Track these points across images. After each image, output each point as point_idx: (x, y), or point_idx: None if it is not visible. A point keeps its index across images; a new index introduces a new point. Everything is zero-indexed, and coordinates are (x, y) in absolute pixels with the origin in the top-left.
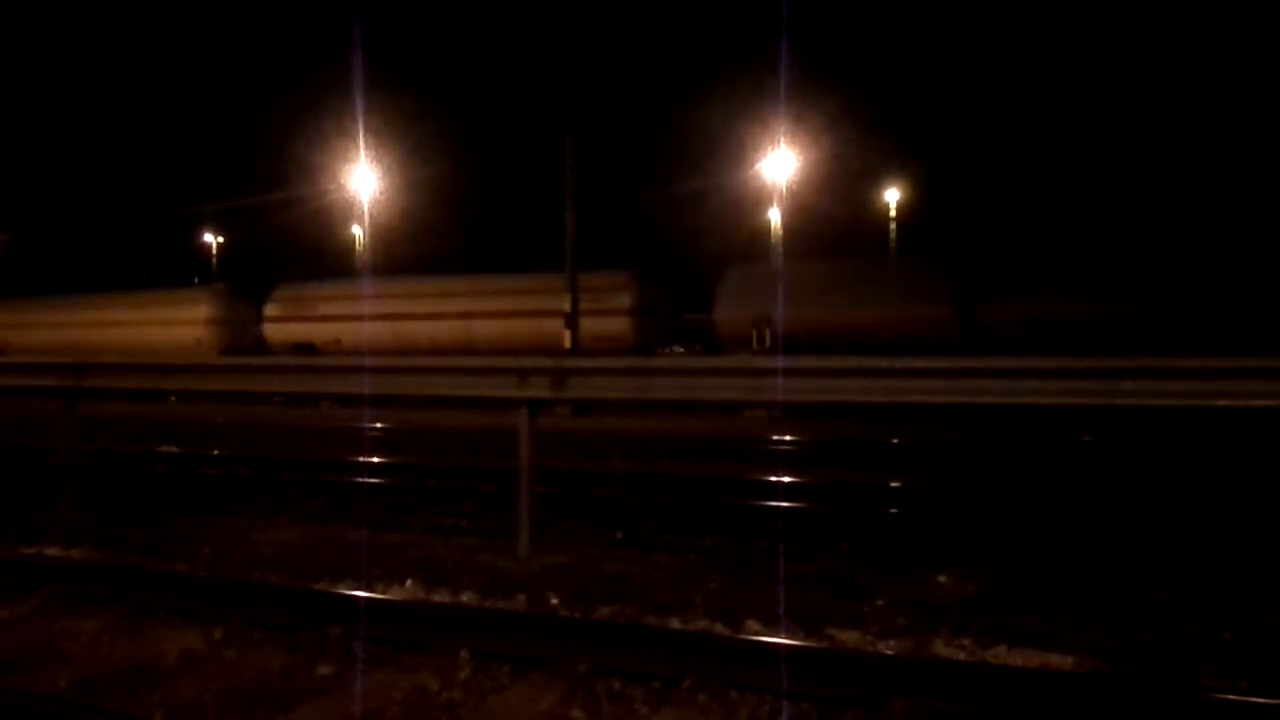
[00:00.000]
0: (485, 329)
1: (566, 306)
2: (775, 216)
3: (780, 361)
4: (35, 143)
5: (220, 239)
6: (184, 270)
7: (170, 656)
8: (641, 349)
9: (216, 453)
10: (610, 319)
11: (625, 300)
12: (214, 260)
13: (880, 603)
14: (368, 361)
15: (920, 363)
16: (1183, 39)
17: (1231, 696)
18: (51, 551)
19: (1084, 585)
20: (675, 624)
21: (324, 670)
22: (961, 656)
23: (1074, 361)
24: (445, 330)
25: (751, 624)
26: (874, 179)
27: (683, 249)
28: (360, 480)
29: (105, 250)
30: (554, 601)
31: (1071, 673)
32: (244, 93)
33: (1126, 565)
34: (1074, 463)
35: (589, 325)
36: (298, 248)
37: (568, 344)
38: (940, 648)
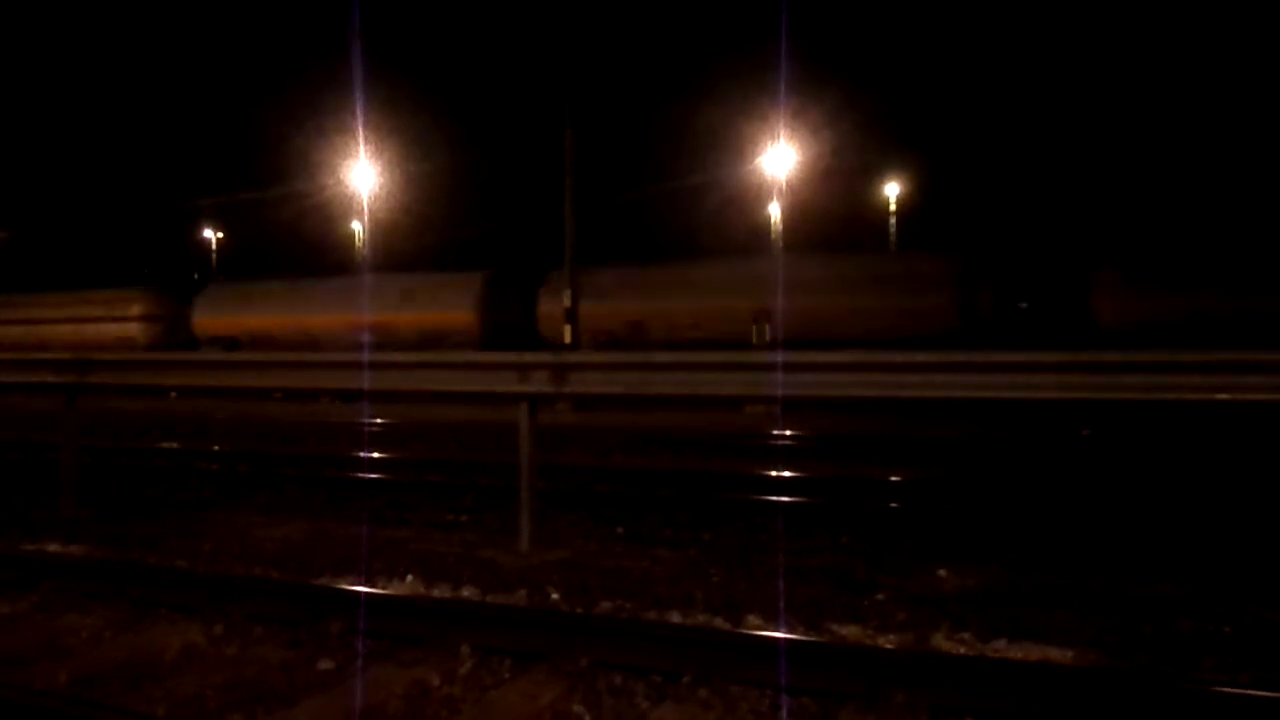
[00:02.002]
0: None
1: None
2: (775, 211)
3: (780, 356)
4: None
5: (220, 235)
6: (183, 266)
7: (171, 652)
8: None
9: (217, 448)
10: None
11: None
12: (213, 256)
13: (880, 597)
14: (366, 357)
15: (920, 357)
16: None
17: (1232, 690)
18: (52, 547)
19: (1084, 579)
20: (676, 618)
21: (325, 665)
22: (962, 650)
23: (1074, 356)
24: (340, 324)
25: (752, 618)
26: (874, 173)
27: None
28: (360, 476)
29: (104, 246)
30: (555, 596)
31: (1072, 666)
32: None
33: (1127, 559)
34: (1074, 457)
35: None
36: (297, 243)
37: (568, 339)
38: (940, 641)
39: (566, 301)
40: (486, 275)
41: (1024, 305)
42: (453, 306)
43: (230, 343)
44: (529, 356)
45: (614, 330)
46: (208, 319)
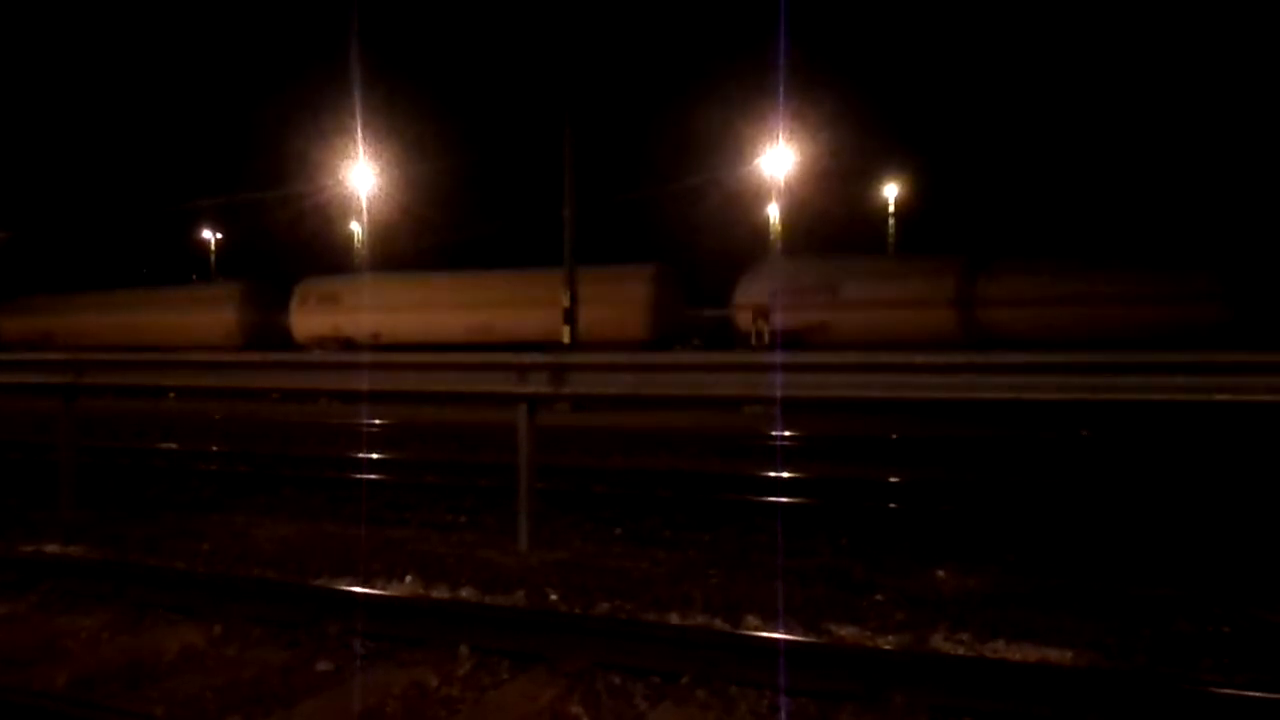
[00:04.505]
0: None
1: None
2: (774, 212)
3: (779, 357)
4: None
5: (219, 236)
6: (183, 267)
7: (170, 653)
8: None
9: (215, 449)
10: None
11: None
12: (212, 257)
13: (879, 598)
14: (366, 359)
15: (919, 358)
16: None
17: (1230, 691)
18: (51, 548)
19: (1083, 580)
20: (675, 619)
21: (324, 666)
22: (960, 651)
23: (1072, 356)
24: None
25: (751, 619)
26: (873, 175)
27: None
28: (359, 476)
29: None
30: (553, 597)
31: (1070, 667)
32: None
33: (1125, 560)
34: (1073, 458)
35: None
36: (296, 244)
37: (566, 339)
38: (939, 642)
39: (312, 309)
40: (245, 286)
41: None
42: (215, 313)
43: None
44: (528, 358)
45: (354, 337)
46: (13, 322)
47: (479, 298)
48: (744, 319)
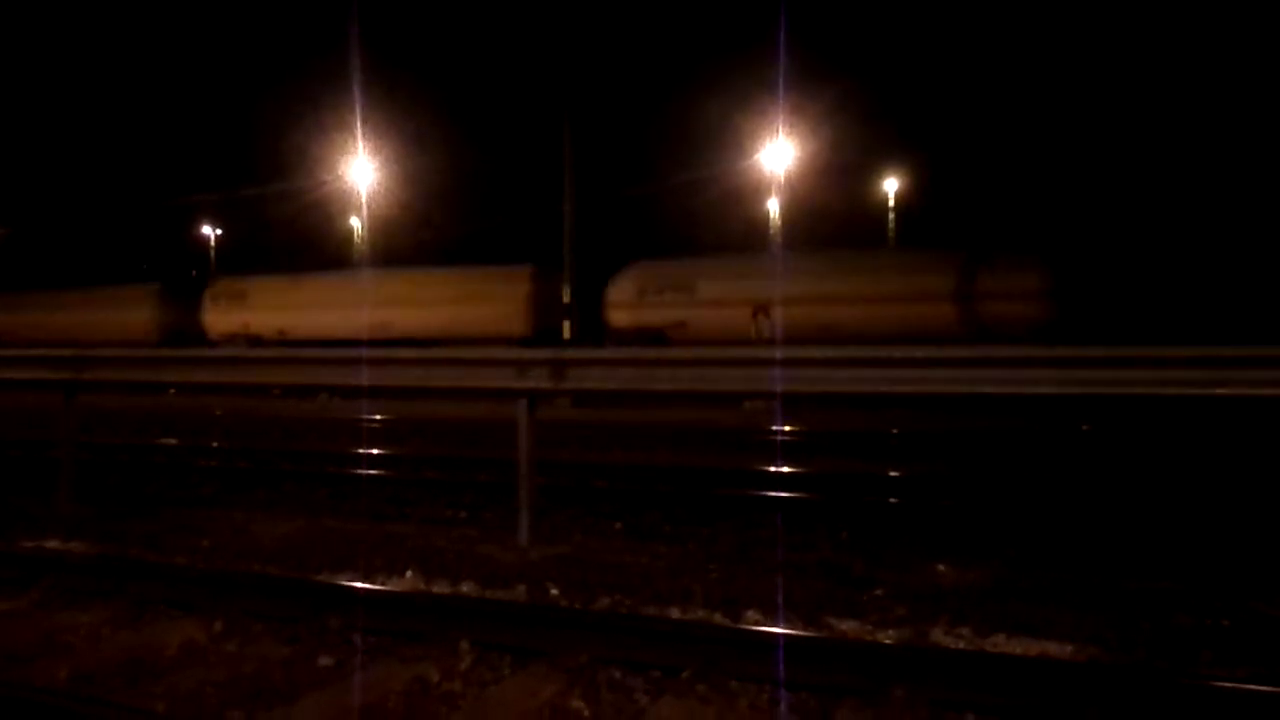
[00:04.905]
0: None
1: None
2: (774, 207)
3: (779, 352)
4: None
5: (219, 231)
6: (183, 262)
7: (171, 649)
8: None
9: (215, 445)
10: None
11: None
12: (212, 252)
13: (879, 592)
14: (365, 353)
15: (919, 352)
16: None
17: (1230, 684)
18: (51, 544)
19: (1083, 574)
20: (675, 614)
21: (324, 661)
22: (960, 645)
23: (1072, 351)
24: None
25: (751, 614)
26: (873, 169)
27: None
28: (359, 472)
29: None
30: (554, 592)
31: (1070, 661)
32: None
33: (1125, 554)
34: (1073, 452)
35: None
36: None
37: (567, 334)
38: (939, 636)
39: (223, 308)
40: (161, 286)
41: None
42: (133, 312)
43: None
44: (528, 353)
45: (261, 334)
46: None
47: (376, 296)
48: (615, 317)
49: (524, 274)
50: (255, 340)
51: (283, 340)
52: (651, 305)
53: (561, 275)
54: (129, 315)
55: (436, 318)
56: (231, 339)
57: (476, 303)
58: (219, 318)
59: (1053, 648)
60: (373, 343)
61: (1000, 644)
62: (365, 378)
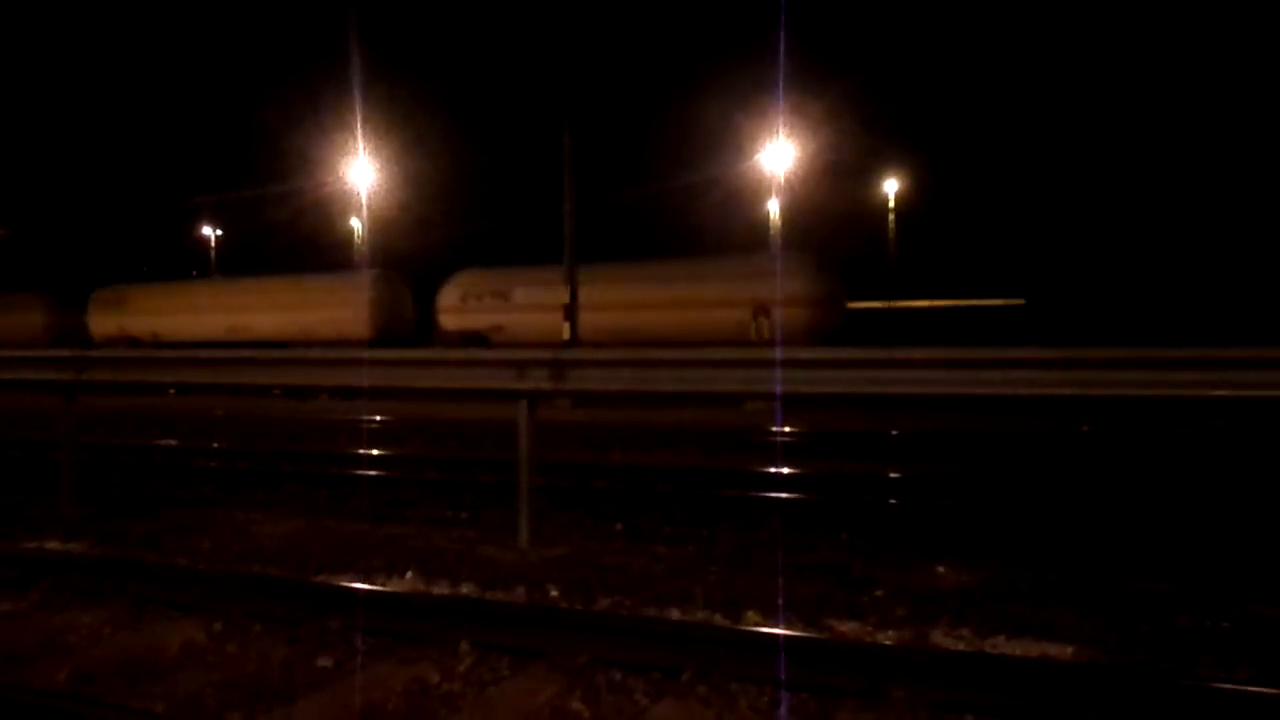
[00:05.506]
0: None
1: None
2: (774, 208)
3: (779, 353)
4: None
5: (219, 232)
6: (183, 263)
7: (171, 649)
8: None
9: (216, 445)
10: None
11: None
12: (212, 253)
13: (879, 593)
14: (366, 355)
15: (918, 353)
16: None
17: (1230, 686)
18: (52, 545)
19: (1083, 575)
20: (675, 615)
21: (324, 662)
22: (960, 646)
23: (1073, 352)
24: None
25: (751, 615)
26: (873, 170)
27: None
28: (360, 473)
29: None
30: (554, 593)
31: (1070, 662)
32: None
33: (1125, 555)
34: (1073, 453)
35: None
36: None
37: (566, 335)
38: (939, 638)
39: (105, 313)
40: (49, 293)
41: None
42: (23, 315)
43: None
44: (528, 354)
45: (138, 335)
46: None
47: (233, 303)
48: (444, 320)
49: (365, 280)
50: (132, 341)
51: (157, 342)
52: (473, 310)
53: (407, 282)
54: (18, 319)
55: (290, 321)
56: (110, 340)
57: (322, 308)
58: (101, 321)
59: (1053, 649)
60: (234, 344)
61: (1000, 645)
62: (365, 378)
